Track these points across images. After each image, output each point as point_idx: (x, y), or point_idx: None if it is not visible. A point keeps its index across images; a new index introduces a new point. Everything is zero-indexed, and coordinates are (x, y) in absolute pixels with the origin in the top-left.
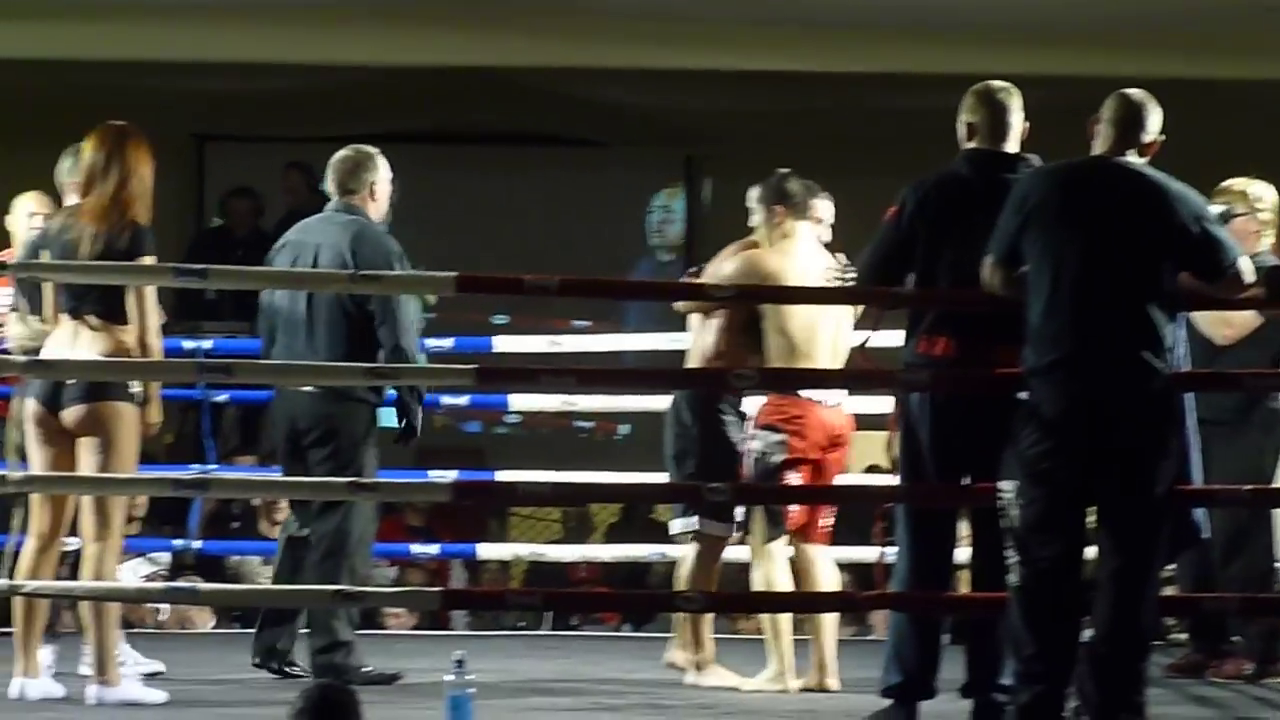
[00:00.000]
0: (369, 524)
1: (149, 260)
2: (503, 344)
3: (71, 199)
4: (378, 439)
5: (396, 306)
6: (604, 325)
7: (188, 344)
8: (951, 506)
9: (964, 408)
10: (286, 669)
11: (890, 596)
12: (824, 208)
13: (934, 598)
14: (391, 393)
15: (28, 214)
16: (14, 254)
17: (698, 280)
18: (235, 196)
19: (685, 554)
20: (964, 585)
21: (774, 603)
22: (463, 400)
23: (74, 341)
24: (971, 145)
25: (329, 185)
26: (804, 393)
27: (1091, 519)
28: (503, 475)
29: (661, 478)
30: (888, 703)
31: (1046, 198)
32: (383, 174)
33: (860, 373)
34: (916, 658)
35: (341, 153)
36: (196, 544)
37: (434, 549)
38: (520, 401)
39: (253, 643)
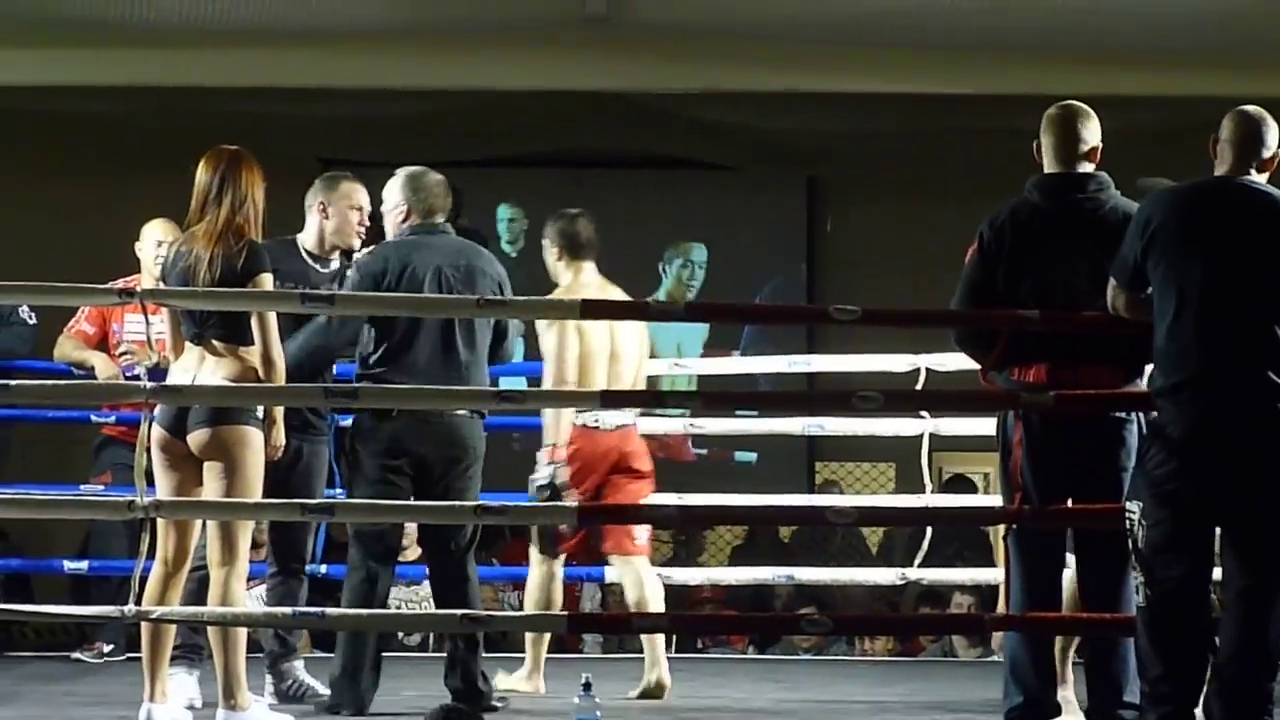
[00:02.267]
0: None
1: (266, 279)
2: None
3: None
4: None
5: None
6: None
7: None
8: (1057, 527)
9: (1063, 430)
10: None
11: (1010, 618)
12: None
13: (1052, 619)
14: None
15: (155, 241)
16: (140, 280)
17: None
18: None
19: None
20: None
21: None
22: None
23: (198, 366)
24: (1044, 170)
25: (433, 208)
26: (580, 419)
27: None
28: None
29: (784, 500)
30: None
31: (1168, 220)
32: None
33: (977, 394)
34: (1034, 677)
35: (439, 176)
36: (322, 569)
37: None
38: (646, 425)
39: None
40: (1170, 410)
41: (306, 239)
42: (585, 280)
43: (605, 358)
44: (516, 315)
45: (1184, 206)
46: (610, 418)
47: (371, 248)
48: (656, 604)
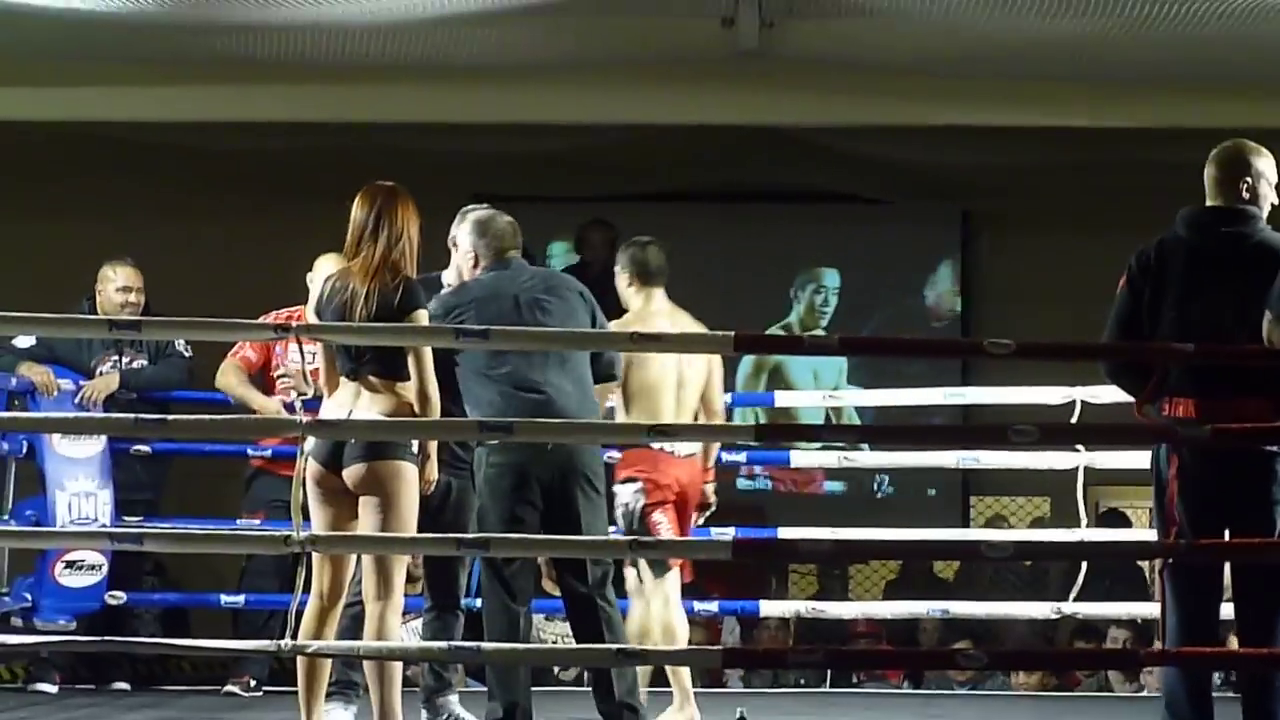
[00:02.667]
0: None
1: (422, 315)
2: (783, 399)
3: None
4: None
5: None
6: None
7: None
8: (1213, 562)
9: (1217, 464)
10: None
11: (1166, 653)
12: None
13: (1208, 654)
14: None
15: (325, 276)
16: (304, 314)
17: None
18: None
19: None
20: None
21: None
22: (741, 457)
23: (354, 401)
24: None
25: (511, 243)
26: (654, 445)
27: None
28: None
29: (937, 534)
30: None
31: None
32: None
33: (1132, 427)
34: (1191, 713)
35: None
36: (477, 603)
37: (713, 606)
38: (800, 458)
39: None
40: None
41: (450, 275)
42: (655, 308)
43: (673, 386)
44: (668, 349)
45: None
46: (683, 447)
47: (455, 285)
48: (684, 626)
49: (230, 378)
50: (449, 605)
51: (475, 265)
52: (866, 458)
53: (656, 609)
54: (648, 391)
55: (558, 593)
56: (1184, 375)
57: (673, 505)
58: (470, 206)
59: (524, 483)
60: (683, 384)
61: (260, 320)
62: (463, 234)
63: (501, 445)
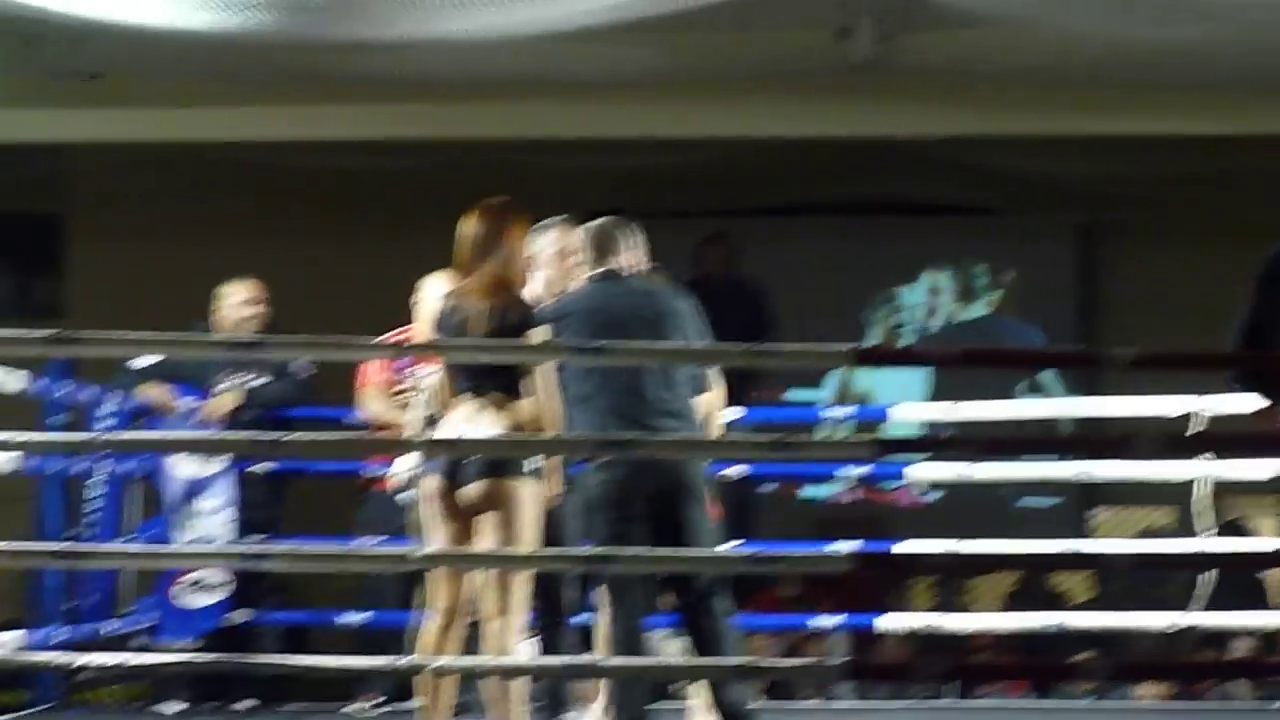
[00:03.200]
0: None
1: (542, 333)
2: (900, 411)
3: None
4: None
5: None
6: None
7: None
8: None
9: None
10: None
11: None
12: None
13: None
14: None
15: (441, 295)
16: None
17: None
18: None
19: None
20: None
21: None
22: (859, 471)
23: (474, 418)
24: None
25: (597, 253)
26: None
27: None
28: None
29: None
30: None
31: None
32: None
33: (1257, 436)
34: None
35: (615, 225)
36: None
37: (831, 621)
38: (917, 472)
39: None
40: None
41: (529, 292)
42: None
43: None
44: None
45: None
46: None
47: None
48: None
49: (377, 404)
50: (557, 621)
51: (566, 275)
52: (985, 471)
53: None
54: None
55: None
56: None
57: None
58: (547, 221)
59: (631, 498)
60: None
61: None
62: (576, 239)
63: (608, 461)
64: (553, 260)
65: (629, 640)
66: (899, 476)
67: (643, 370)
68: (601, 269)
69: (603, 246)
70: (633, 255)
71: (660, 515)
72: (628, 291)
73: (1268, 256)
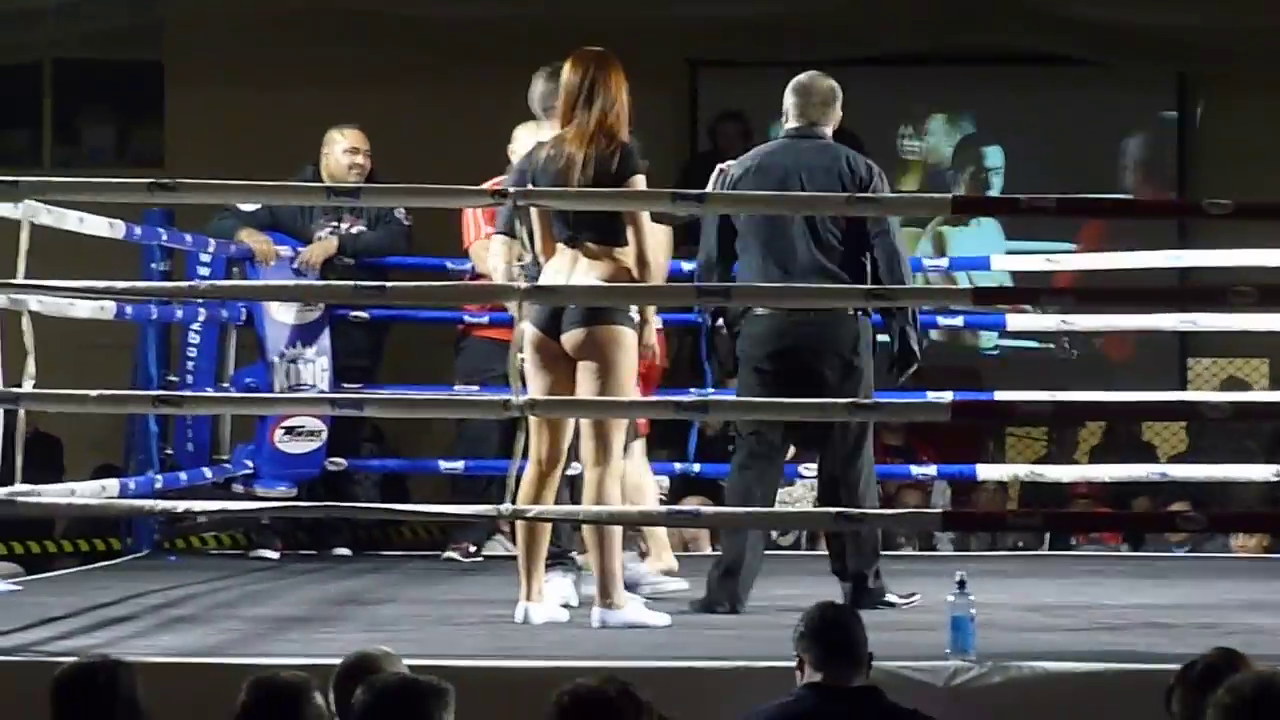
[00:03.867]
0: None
1: (640, 180)
2: (1000, 263)
3: (544, 123)
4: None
5: (890, 230)
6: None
7: (685, 266)
8: None
9: None
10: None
11: None
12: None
13: None
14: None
15: (537, 143)
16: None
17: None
18: (725, 120)
19: None
20: None
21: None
22: (959, 321)
23: (572, 267)
24: None
25: (792, 109)
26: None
27: None
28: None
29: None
30: None
31: None
32: (839, 101)
33: None
34: None
35: (812, 81)
36: (695, 468)
37: (931, 470)
38: (1017, 321)
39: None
40: None
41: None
42: None
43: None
44: (884, 212)
45: None
46: None
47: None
48: (651, 484)
49: (497, 258)
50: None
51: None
52: (1084, 321)
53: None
54: None
55: None
56: None
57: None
58: (545, 68)
59: (767, 350)
60: None
61: (480, 188)
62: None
63: (754, 316)
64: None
65: (742, 490)
66: (1001, 326)
67: (792, 226)
68: (795, 125)
69: (799, 103)
70: (829, 111)
71: (798, 371)
72: (805, 150)
73: None
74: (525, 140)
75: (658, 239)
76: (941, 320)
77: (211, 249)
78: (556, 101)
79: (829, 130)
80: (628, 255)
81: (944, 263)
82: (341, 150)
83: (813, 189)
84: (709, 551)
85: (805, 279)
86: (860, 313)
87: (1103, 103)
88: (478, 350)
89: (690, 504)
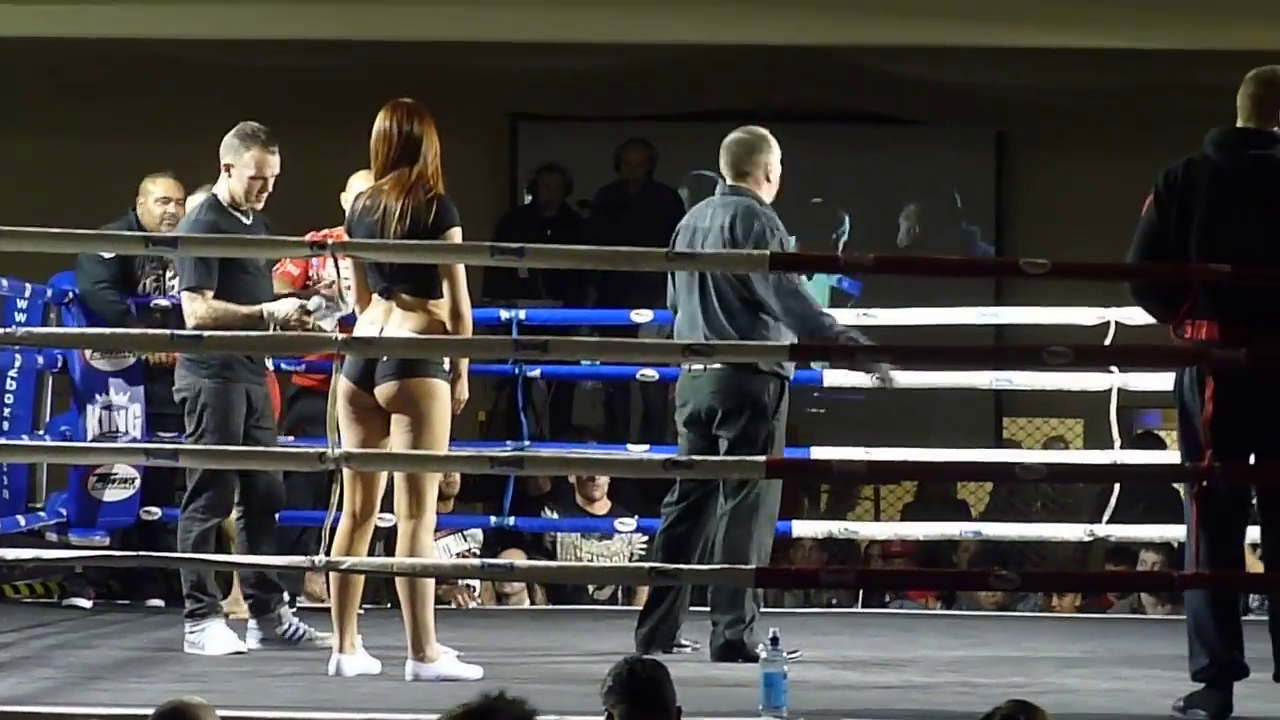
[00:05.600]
0: (776, 501)
1: (456, 233)
2: None
3: (223, 177)
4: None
5: (788, 286)
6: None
7: (503, 314)
8: (1239, 485)
9: (1241, 387)
10: (675, 648)
11: (1201, 576)
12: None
13: (1242, 578)
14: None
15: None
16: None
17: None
18: (546, 173)
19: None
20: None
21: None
22: None
23: (386, 319)
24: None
25: (722, 167)
26: None
27: None
28: (817, 453)
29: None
30: (1200, 686)
31: None
32: (775, 155)
33: (1167, 349)
34: (1219, 638)
35: (734, 135)
36: (510, 521)
37: None
38: (834, 378)
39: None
40: None
41: (221, 193)
42: None
43: None
44: (699, 267)
45: None
46: None
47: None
48: None
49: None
50: (269, 509)
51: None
52: (900, 378)
53: None
54: None
55: (595, 512)
56: (1204, 299)
57: None
58: (249, 129)
59: (681, 403)
60: None
61: (300, 239)
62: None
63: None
64: (245, 180)
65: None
66: (818, 382)
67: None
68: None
69: (722, 159)
70: (744, 166)
71: (702, 424)
72: (715, 207)
73: (1169, 169)
74: (357, 187)
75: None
76: None
77: (28, 294)
78: (225, 159)
79: (747, 184)
80: (442, 308)
81: None
82: (154, 200)
83: (707, 247)
84: (527, 605)
85: (694, 335)
86: (754, 369)
87: (925, 161)
88: (305, 401)
89: (506, 558)
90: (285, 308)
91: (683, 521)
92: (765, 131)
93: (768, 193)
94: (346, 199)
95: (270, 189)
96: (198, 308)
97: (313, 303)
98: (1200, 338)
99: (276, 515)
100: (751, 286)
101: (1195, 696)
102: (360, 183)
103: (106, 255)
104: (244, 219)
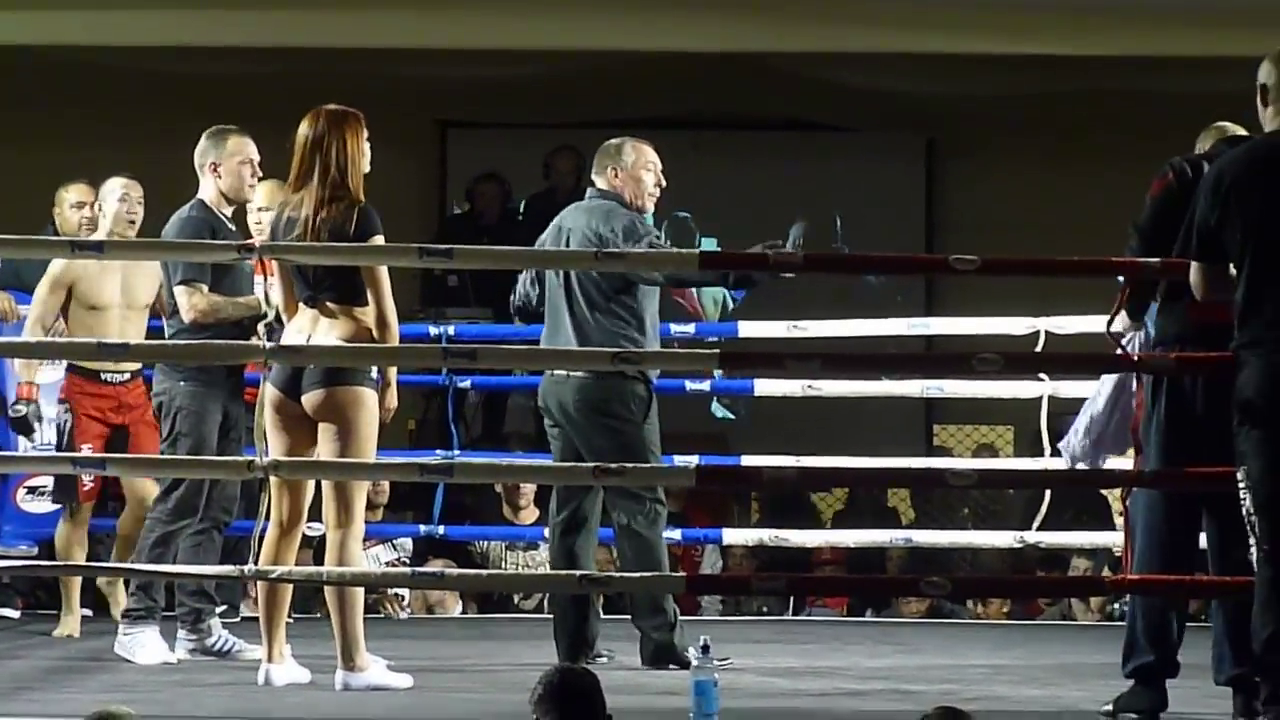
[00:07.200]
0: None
1: (379, 239)
2: (747, 329)
3: (208, 180)
4: (656, 417)
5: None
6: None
7: (432, 330)
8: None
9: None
10: (595, 658)
11: (1133, 581)
12: None
13: (1174, 582)
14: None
15: (279, 204)
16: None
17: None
18: (483, 181)
19: None
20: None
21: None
22: (705, 385)
23: (313, 327)
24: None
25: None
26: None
27: None
28: (747, 460)
29: (893, 463)
30: (1132, 684)
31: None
32: (630, 159)
33: (1096, 356)
34: (1158, 639)
35: (605, 143)
36: (440, 530)
37: (675, 534)
38: (764, 386)
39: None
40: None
41: (207, 196)
42: None
43: (119, 308)
44: (629, 267)
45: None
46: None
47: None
48: None
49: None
50: (218, 522)
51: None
52: (831, 386)
53: None
54: (98, 314)
55: (522, 521)
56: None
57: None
58: (218, 127)
59: (543, 409)
60: (131, 306)
61: (229, 242)
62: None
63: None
64: (235, 168)
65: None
66: (749, 391)
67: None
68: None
69: (596, 162)
70: (603, 169)
71: (567, 430)
72: (580, 210)
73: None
74: (261, 198)
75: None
76: (690, 385)
77: None
78: (208, 160)
79: (610, 187)
80: (368, 315)
81: (690, 329)
82: (69, 206)
83: (573, 247)
84: (456, 613)
85: (559, 334)
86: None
87: (853, 169)
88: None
89: (435, 566)
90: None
91: (572, 532)
92: (624, 139)
93: (630, 194)
94: (251, 208)
95: (259, 174)
96: (196, 300)
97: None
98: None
99: (225, 529)
100: (614, 285)
101: (1125, 698)
102: (265, 192)
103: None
104: (229, 224)
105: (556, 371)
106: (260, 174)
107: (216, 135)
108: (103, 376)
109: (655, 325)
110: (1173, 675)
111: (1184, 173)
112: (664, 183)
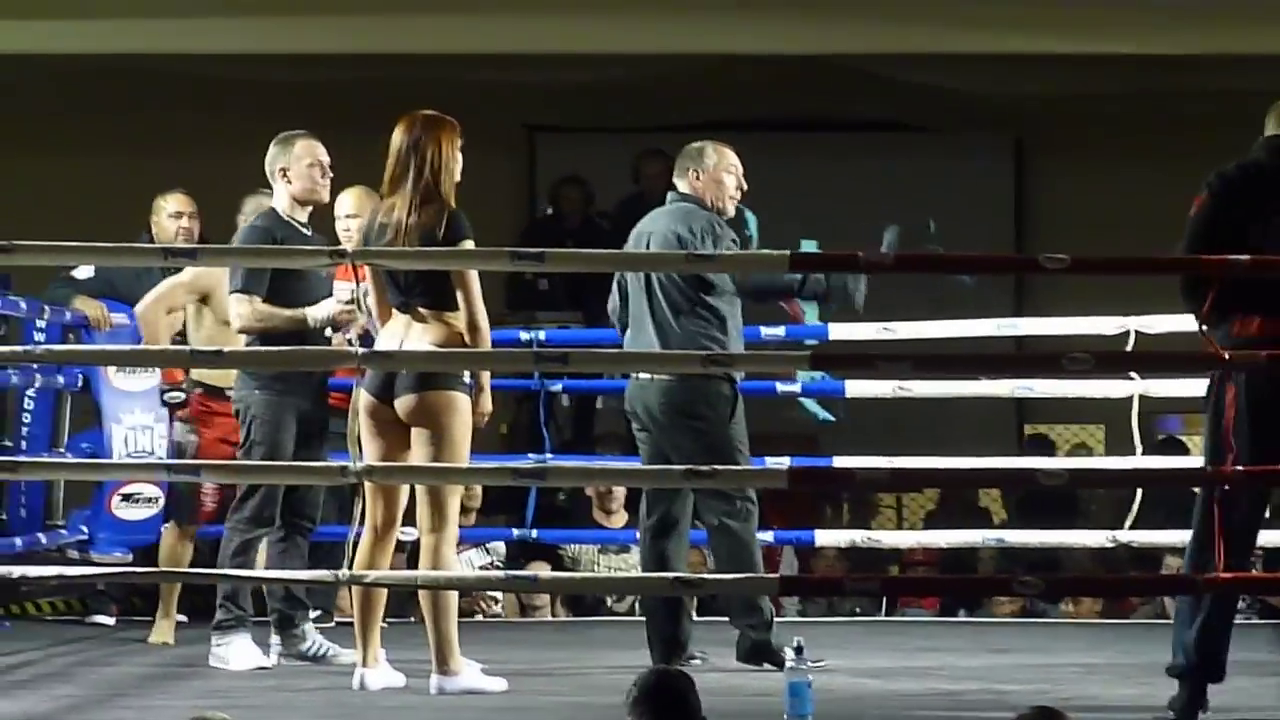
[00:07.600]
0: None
1: (469, 244)
2: (837, 331)
3: (280, 186)
4: (742, 417)
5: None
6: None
7: (523, 335)
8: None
9: (1266, 388)
10: (688, 660)
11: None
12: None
13: (1268, 579)
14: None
15: (344, 214)
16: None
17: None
18: (567, 185)
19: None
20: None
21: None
22: (796, 387)
23: (405, 333)
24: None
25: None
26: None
27: None
28: (839, 462)
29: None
30: (1177, 684)
31: None
32: (712, 161)
33: (1187, 355)
34: (1217, 640)
35: (687, 147)
36: (533, 534)
37: (767, 535)
38: (855, 388)
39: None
40: None
41: (279, 204)
42: None
43: None
44: (718, 269)
45: None
46: None
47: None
48: None
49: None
50: (303, 529)
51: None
52: (921, 388)
53: None
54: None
55: (613, 524)
56: (1254, 297)
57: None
58: (285, 133)
59: (630, 413)
60: None
61: (320, 248)
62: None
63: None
64: (304, 171)
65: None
66: (840, 393)
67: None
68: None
69: (678, 165)
70: (685, 173)
71: (652, 432)
72: (662, 214)
73: (1223, 169)
74: (345, 204)
75: None
76: (781, 387)
77: (47, 315)
78: (277, 166)
79: (691, 190)
80: (459, 320)
81: (780, 331)
82: (167, 215)
83: (654, 249)
84: (550, 617)
85: (642, 338)
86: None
87: (942, 170)
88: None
89: (530, 570)
90: (324, 309)
91: (663, 535)
92: (708, 142)
93: (708, 198)
94: (338, 213)
95: (331, 175)
96: (243, 309)
97: (343, 291)
98: (1250, 334)
99: (309, 534)
100: (696, 287)
101: (1174, 698)
102: (349, 199)
103: (81, 277)
104: (304, 230)
105: (641, 375)
106: (330, 174)
107: (284, 141)
108: (227, 393)
109: (739, 326)
110: (1216, 679)
111: (1217, 184)
112: (745, 186)
